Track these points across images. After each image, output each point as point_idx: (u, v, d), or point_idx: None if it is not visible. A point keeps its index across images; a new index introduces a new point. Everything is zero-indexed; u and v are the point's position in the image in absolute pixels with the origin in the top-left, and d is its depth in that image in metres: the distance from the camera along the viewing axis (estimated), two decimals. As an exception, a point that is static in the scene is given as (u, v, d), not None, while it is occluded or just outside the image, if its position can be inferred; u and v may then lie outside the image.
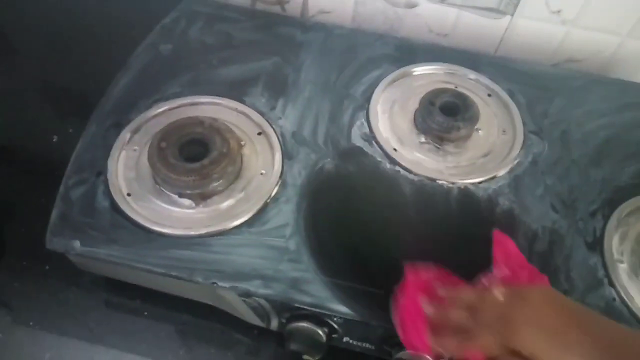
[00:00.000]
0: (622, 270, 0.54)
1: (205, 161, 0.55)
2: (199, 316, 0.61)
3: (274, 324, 0.55)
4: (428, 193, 0.59)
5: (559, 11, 0.77)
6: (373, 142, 0.64)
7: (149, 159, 0.56)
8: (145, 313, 0.61)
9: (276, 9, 0.88)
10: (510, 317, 0.40)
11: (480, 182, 0.61)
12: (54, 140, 0.72)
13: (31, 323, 0.58)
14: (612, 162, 0.64)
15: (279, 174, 0.59)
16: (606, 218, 0.58)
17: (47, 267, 0.61)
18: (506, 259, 0.47)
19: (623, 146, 0.65)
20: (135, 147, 0.61)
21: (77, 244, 0.52)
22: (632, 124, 0.68)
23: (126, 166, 0.59)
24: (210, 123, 0.59)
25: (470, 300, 0.43)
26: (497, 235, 0.49)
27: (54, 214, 0.54)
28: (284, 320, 0.53)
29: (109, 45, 0.81)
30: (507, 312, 0.40)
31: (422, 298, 0.45)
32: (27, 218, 0.65)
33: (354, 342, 0.54)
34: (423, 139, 0.65)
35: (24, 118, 0.76)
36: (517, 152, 0.63)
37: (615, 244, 0.56)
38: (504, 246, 0.48)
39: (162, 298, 0.59)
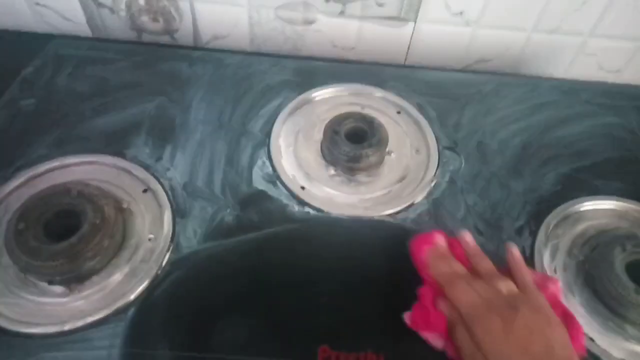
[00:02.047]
0: (556, 291, 0.51)
1: (73, 239, 0.47)
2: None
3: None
4: (343, 234, 0.54)
5: (461, 12, 0.74)
6: (278, 182, 0.58)
7: (5, 245, 0.47)
8: None
9: (165, 39, 0.81)
10: (488, 310, 0.40)
11: (397, 213, 0.56)
12: None
13: None
14: (531, 170, 0.61)
15: (169, 237, 0.52)
16: (534, 234, 0.55)
17: None
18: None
19: (540, 151, 0.63)
20: (-7, 230, 0.52)
21: None
22: (545, 125, 0.66)
23: (-18, 256, 0.50)
24: (78, 190, 0.51)
25: (484, 269, 0.44)
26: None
27: None
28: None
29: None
30: (492, 304, 0.41)
31: (438, 236, 0.47)
32: None
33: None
34: (333, 172, 0.59)
35: None
36: (433, 172, 0.59)
37: (546, 262, 0.53)
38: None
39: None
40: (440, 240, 0.47)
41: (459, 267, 0.45)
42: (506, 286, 0.42)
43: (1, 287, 0.48)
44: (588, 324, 0.49)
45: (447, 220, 0.56)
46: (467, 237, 0.47)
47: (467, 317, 0.41)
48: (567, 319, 0.42)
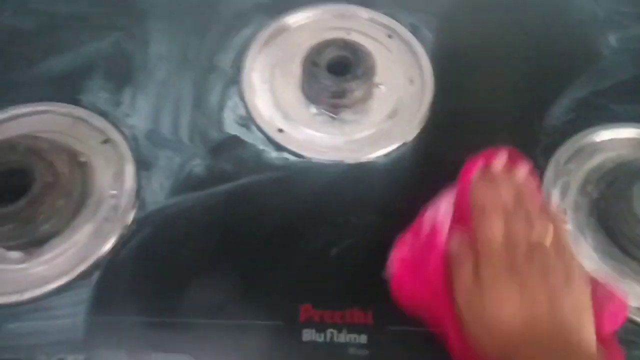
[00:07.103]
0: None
1: (21, 202, 0.45)
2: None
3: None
4: (326, 182, 0.52)
5: None
6: (252, 125, 0.55)
7: (-52, 211, 0.46)
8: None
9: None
10: (508, 256, 0.37)
11: (388, 154, 0.54)
12: None
13: None
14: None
15: (134, 192, 0.51)
16: (541, 171, 0.52)
17: None
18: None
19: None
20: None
21: None
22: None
23: None
24: (26, 145, 0.49)
25: (530, 205, 0.40)
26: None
27: None
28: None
29: None
30: (517, 251, 0.38)
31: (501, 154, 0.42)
32: None
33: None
34: (314, 110, 0.56)
35: None
36: (428, 106, 0.56)
37: (555, 202, 0.51)
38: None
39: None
40: (502, 158, 0.42)
41: (508, 194, 0.40)
42: (542, 231, 0.39)
43: (-47, 255, 0.48)
44: (600, 269, 0.48)
45: (445, 162, 0.53)
46: (523, 169, 0.43)
47: (482, 253, 0.38)
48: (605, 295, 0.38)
